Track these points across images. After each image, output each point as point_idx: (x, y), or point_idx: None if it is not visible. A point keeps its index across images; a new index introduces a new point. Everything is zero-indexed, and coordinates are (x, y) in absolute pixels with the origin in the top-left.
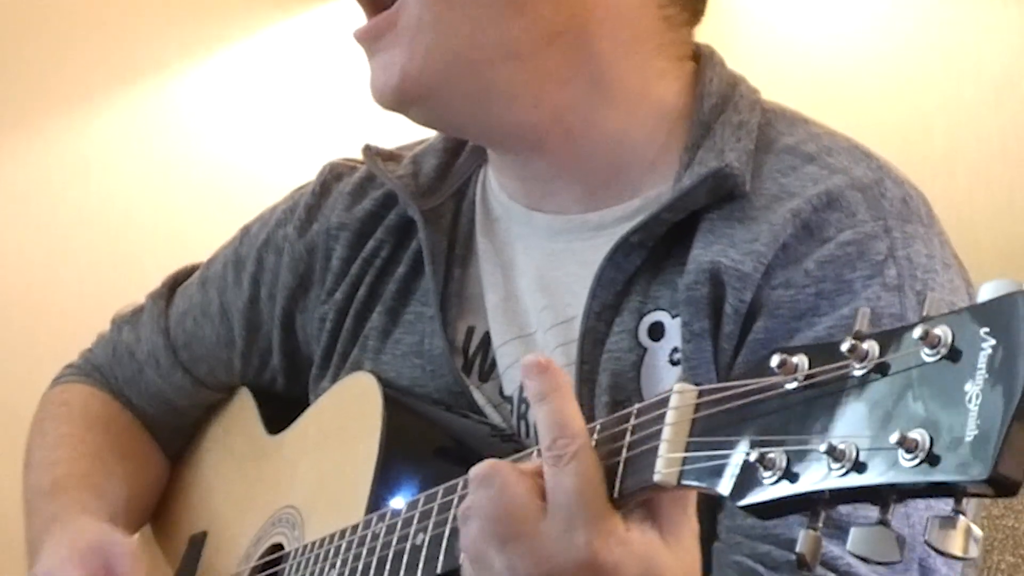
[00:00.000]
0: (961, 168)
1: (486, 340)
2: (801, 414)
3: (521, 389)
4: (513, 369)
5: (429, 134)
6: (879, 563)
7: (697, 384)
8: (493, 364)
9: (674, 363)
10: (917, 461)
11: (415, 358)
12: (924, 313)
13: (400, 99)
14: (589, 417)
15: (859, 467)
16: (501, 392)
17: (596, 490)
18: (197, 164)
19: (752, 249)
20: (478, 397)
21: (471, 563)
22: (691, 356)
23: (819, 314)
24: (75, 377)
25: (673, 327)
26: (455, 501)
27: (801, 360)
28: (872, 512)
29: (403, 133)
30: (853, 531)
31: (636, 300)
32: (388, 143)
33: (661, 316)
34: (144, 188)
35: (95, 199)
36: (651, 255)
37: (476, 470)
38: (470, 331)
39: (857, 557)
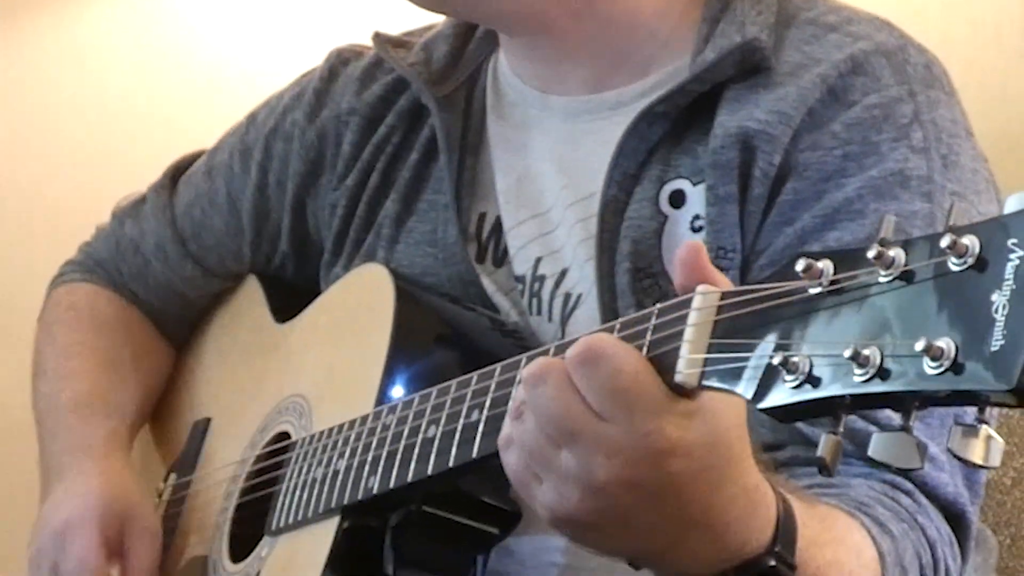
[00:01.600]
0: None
1: (497, 225)
2: (825, 319)
3: (534, 267)
4: (525, 249)
5: (432, 19)
6: (900, 468)
7: (720, 247)
8: (506, 249)
9: (695, 230)
10: (942, 369)
11: (428, 247)
12: (950, 222)
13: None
14: (610, 286)
15: (883, 373)
16: (513, 275)
17: (638, 384)
18: (193, 54)
19: (779, 110)
20: (487, 285)
21: (529, 457)
22: (715, 220)
23: (847, 175)
24: (78, 275)
25: (694, 195)
26: (468, 395)
27: (826, 265)
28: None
29: (402, 21)
30: (875, 437)
31: (657, 169)
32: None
33: (682, 184)
34: (139, 79)
35: (89, 90)
36: (673, 126)
37: (529, 369)
38: (482, 217)
39: (878, 463)
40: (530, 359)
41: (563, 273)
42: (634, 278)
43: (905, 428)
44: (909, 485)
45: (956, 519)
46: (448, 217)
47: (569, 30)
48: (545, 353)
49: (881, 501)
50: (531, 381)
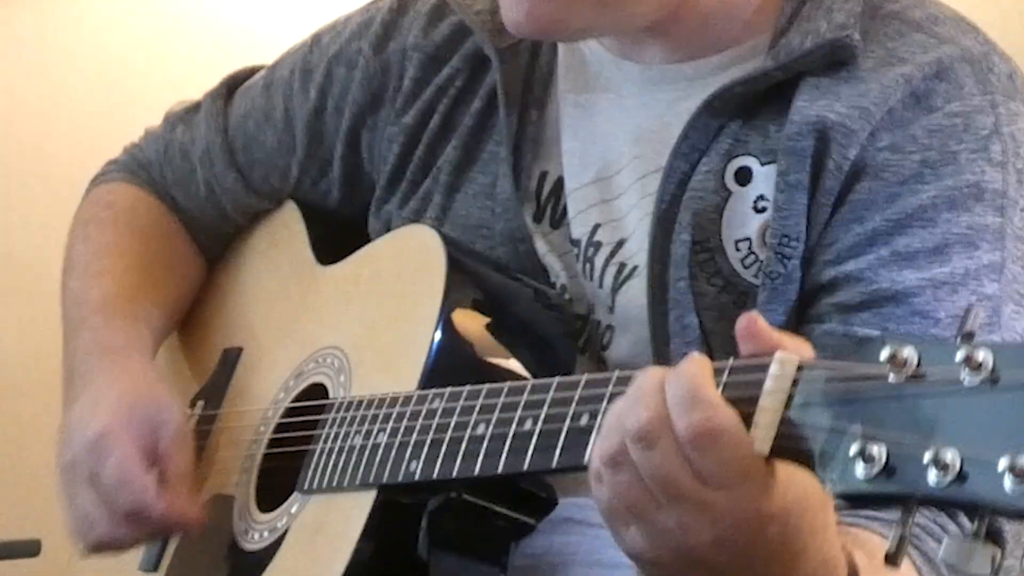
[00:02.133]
0: None
1: (559, 185)
2: (905, 411)
3: (591, 233)
4: (585, 214)
5: None
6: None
7: (784, 234)
8: (565, 211)
9: (758, 211)
10: None
11: (486, 199)
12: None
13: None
14: (662, 256)
15: (961, 479)
16: (570, 238)
17: (742, 457)
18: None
19: (859, 105)
20: (540, 246)
21: (623, 506)
22: (783, 206)
23: (923, 182)
24: (120, 175)
25: (761, 174)
26: (521, 404)
27: (911, 355)
28: None
29: None
30: (946, 541)
31: (726, 143)
32: None
33: (749, 161)
34: (140, 32)
35: (90, 46)
36: (746, 105)
37: (637, 428)
38: (543, 176)
39: (947, 565)
40: (591, 386)
41: (620, 243)
42: (692, 250)
43: (977, 535)
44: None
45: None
46: (506, 172)
47: (670, 21)
48: (604, 383)
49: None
50: (640, 443)
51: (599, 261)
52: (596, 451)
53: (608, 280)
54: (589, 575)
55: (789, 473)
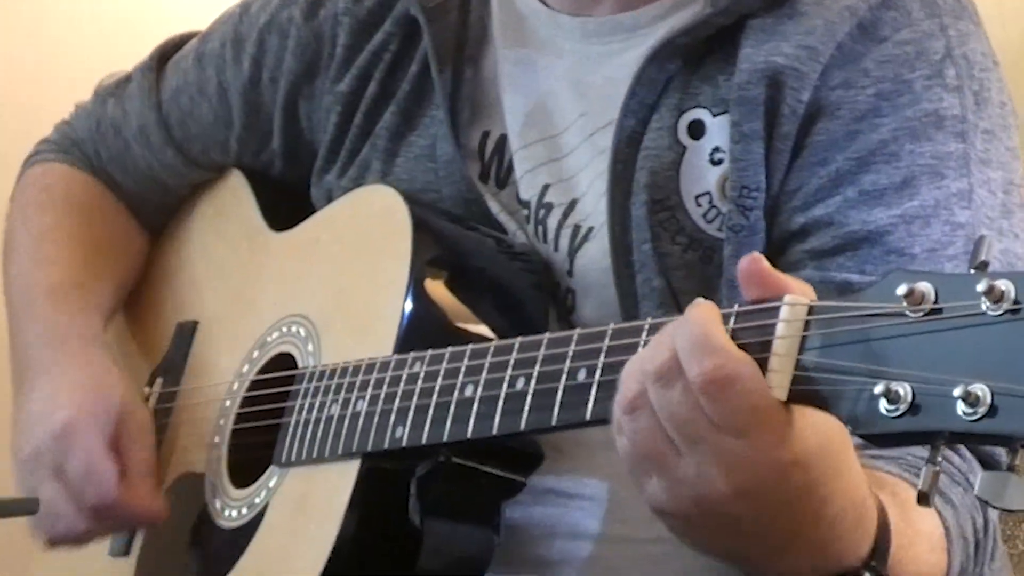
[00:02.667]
0: None
1: (501, 144)
2: (927, 348)
3: (541, 194)
4: (533, 174)
5: None
6: (1004, 510)
7: (744, 186)
8: (510, 169)
9: (715, 163)
10: None
11: (428, 162)
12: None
13: None
14: (623, 219)
15: (992, 412)
16: (518, 198)
17: (760, 401)
18: None
19: (807, 44)
20: (492, 205)
21: (642, 455)
22: (739, 157)
23: (881, 115)
24: (53, 155)
25: (714, 126)
26: (511, 363)
27: (927, 289)
28: None
29: None
30: (981, 476)
31: (675, 98)
32: None
33: (701, 114)
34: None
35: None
36: (691, 55)
37: (657, 366)
38: (485, 135)
39: (981, 500)
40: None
41: (572, 204)
42: (651, 211)
43: (1012, 468)
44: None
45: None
46: (445, 133)
47: None
48: (637, 332)
49: (950, 473)
50: (660, 381)
51: (552, 223)
52: (617, 400)
53: (564, 243)
54: (570, 547)
55: (807, 417)
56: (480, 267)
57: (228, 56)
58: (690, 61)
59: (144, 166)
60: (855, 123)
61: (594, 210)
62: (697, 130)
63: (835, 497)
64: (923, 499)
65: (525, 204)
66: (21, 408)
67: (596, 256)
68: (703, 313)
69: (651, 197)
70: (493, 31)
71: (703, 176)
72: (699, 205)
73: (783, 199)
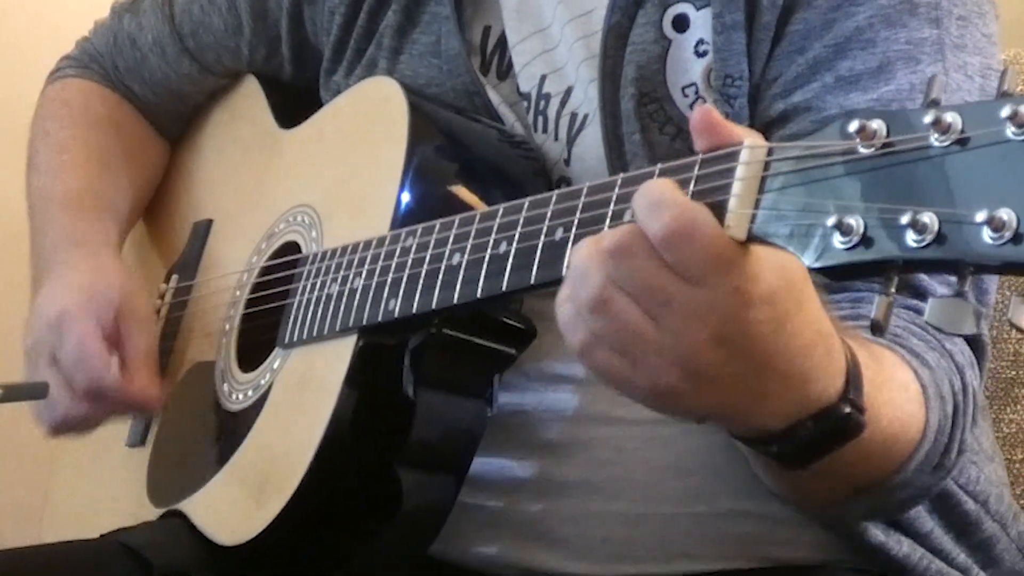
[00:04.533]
0: None
1: (502, 40)
2: (879, 181)
3: (539, 84)
4: (530, 66)
5: None
6: (954, 334)
7: (727, 75)
8: (510, 63)
9: (700, 55)
10: (1004, 240)
11: (432, 58)
12: (1005, 87)
13: None
14: (613, 112)
15: (940, 239)
16: (518, 90)
17: (719, 248)
18: None
19: None
20: (493, 96)
21: (622, 342)
22: (722, 48)
23: (856, 3)
24: (73, 71)
25: (698, 18)
26: (495, 227)
27: (879, 126)
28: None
29: None
30: (931, 302)
31: None
32: None
33: (685, 8)
34: None
35: None
36: None
37: (613, 243)
38: (486, 31)
39: (933, 327)
40: (563, 200)
41: (568, 91)
42: (639, 103)
43: (961, 294)
44: None
45: (972, 340)
46: (449, 29)
47: None
48: (610, 187)
49: (912, 331)
50: (618, 255)
51: (552, 113)
52: (581, 300)
53: (563, 132)
54: (578, 430)
55: (766, 254)
56: (479, 153)
57: None
58: None
59: (160, 76)
60: (831, 11)
61: (586, 97)
62: (681, 23)
63: (803, 329)
64: (876, 328)
65: (525, 96)
66: (32, 305)
67: (592, 144)
68: (656, 180)
69: (639, 90)
70: None
71: (689, 68)
72: (685, 96)
73: (764, 87)
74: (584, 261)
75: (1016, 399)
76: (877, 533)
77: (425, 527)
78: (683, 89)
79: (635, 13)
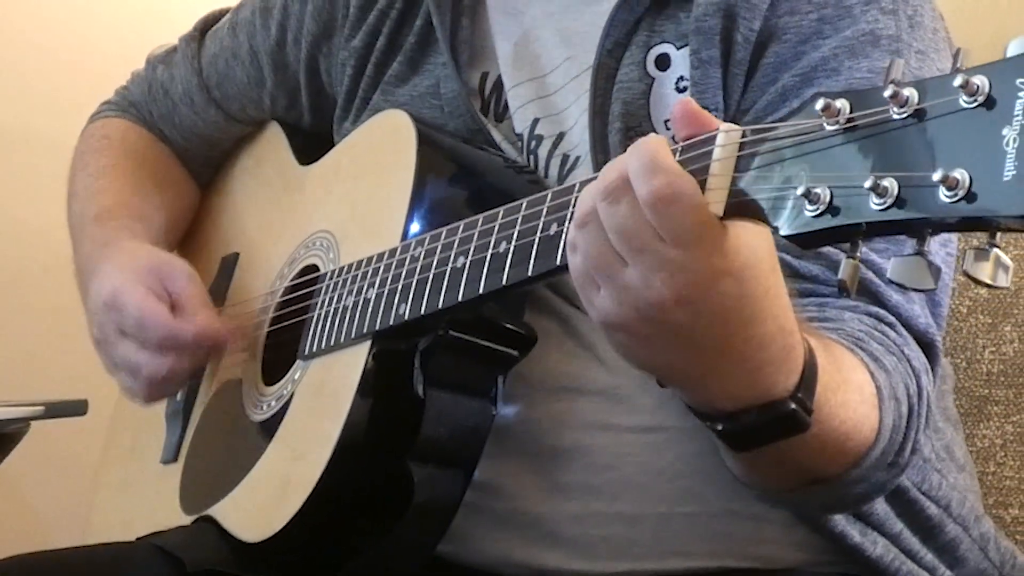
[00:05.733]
0: None
1: (499, 84)
2: (844, 153)
3: (532, 127)
4: (524, 109)
5: None
6: (915, 290)
7: (704, 107)
8: (506, 106)
9: (680, 90)
10: (957, 198)
11: (432, 99)
12: (959, 64)
13: None
14: (603, 147)
15: (900, 202)
16: (513, 130)
17: (699, 218)
18: None
19: None
20: (495, 134)
21: (592, 264)
22: (699, 82)
23: (823, 37)
24: (112, 113)
25: (678, 58)
26: (496, 228)
27: (843, 104)
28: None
29: None
30: (893, 261)
31: (643, 35)
32: None
33: (667, 48)
34: None
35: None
36: None
37: (607, 184)
38: (484, 76)
39: (895, 284)
40: (558, 196)
41: (560, 135)
42: (625, 136)
43: (920, 253)
44: (891, 318)
45: (928, 347)
46: (449, 73)
47: None
48: (569, 191)
49: (872, 335)
50: (608, 196)
51: (542, 153)
52: (572, 218)
53: (553, 171)
54: (581, 436)
55: (740, 235)
56: (484, 176)
57: (257, 23)
58: (655, 3)
59: (190, 123)
60: (800, 45)
61: (580, 140)
62: (663, 62)
63: (764, 318)
64: (843, 288)
65: (519, 136)
66: (85, 308)
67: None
68: (653, 140)
69: (625, 124)
70: None
71: (670, 103)
72: (668, 129)
73: (738, 117)
74: (584, 193)
75: (989, 416)
76: (854, 534)
77: (436, 520)
78: (665, 123)
79: (622, 54)
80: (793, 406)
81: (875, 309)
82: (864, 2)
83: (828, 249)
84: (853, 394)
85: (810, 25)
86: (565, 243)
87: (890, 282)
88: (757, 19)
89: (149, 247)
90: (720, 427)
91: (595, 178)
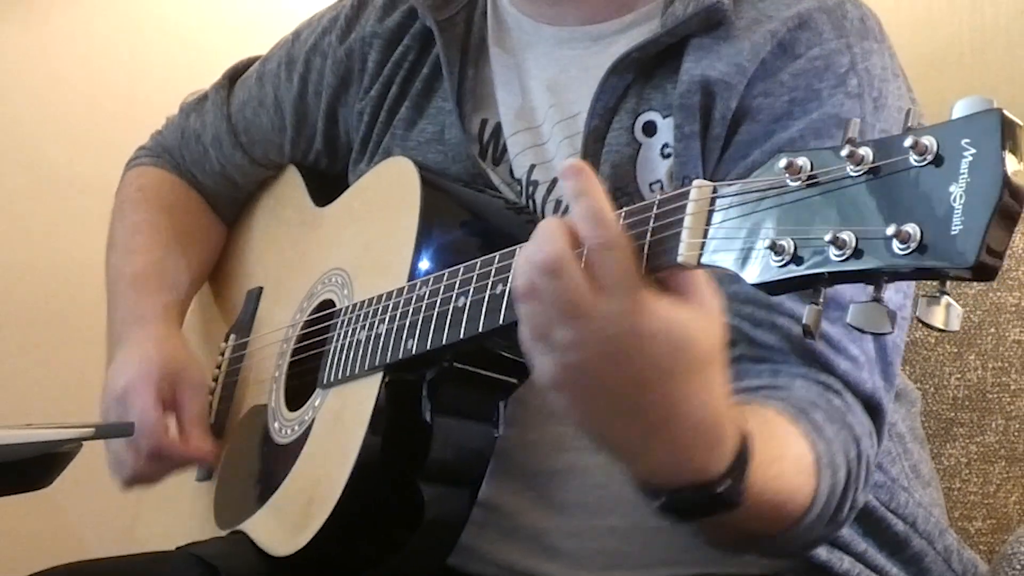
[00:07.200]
0: None
1: (498, 130)
2: (806, 208)
3: (529, 172)
4: (522, 155)
5: None
6: (873, 334)
7: (685, 175)
8: (504, 150)
9: (665, 156)
10: (910, 250)
11: (437, 144)
12: (908, 125)
13: None
14: None
15: (857, 254)
16: (511, 174)
17: (632, 269)
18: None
19: (736, 63)
20: (494, 177)
21: (535, 338)
22: (681, 153)
23: (792, 118)
24: (148, 159)
25: (664, 126)
26: (492, 271)
27: (804, 162)
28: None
29: None
30: (852, 307)
31: (632, 102)
32: None
33: (653, 116)
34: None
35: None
36: (645, 67)
37: (541, 259)
38: (483, 123)
39: (855, 328)
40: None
41: (554, 181)
42: (613, 195)
43: (877, 299)
44: (839, 385)
45: (874, 410)
46: (452, 120)
47: None
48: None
49: (817, 405)
50: (548, 272)
51: (539, 198)
52: (512, 288)
53: (549, 214)
54: (574, 457)
55: (676, 311)
56: (484, 217)
57: (282, 75)
58: (643, 72)
59: (219, 167)
60: (771, 124)
61: None
62: (650, 129)
63: (693, 401)
64: (807, 331)
65: (517, 181)
66: (105, 376)
67: None
68: (594, 191)
69: (613, 184)
70: (488, 40)
71: (655, 167)
72: (652, 190)
73: None
74: (521, 262)
75: (954, 437)
76: (821, 552)
77: (445, 535)
78: (650, 185)
79: (611, 119)
80: (722, 488)
81: (824, 377)
82: (832, 86)
83: (782, 322)
84: (790, 466)
85: (782, 107)
86: None
87: (840, 340)
88: (734, 99)
89: (175, 342)
90: (661, 502)
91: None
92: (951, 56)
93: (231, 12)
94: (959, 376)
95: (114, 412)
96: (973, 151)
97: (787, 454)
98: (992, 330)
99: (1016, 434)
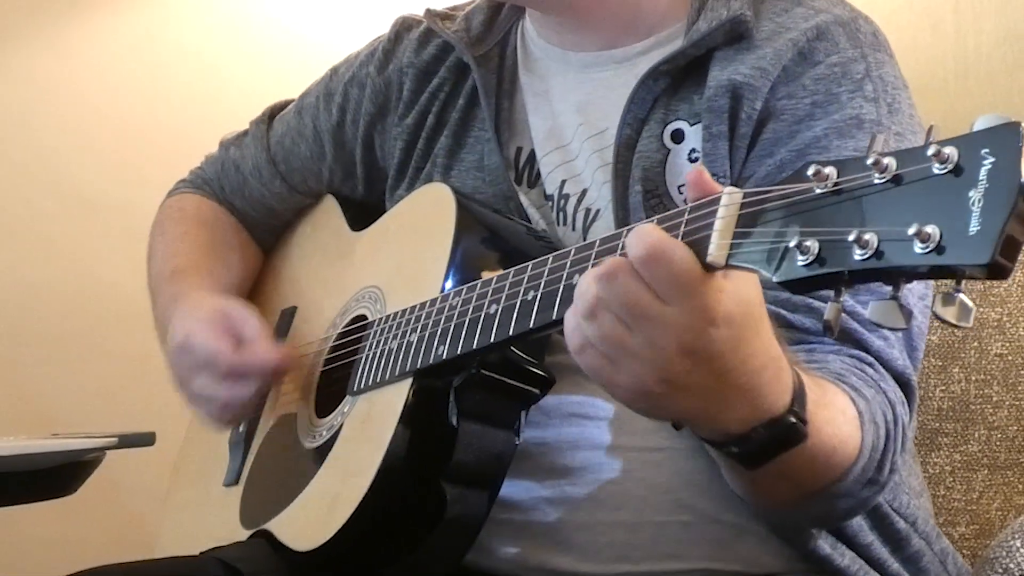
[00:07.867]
0: None
1: (532, 156)
2: (831, 212)
3: (560, 188)
4: (553, 173)
5: None
6: (890, 329)
7: (713, 173)
8: (538, 176)
9: (692, 160)
10: (929, 250)
11: (476, 171)
12: (932, 137)
13: None
14: (624, 204)
15: (879, 254)
16: (544, 194)
17: (684, 271)
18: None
19: (759, 66)
20: (524, 200)
21: (607, 346)
22: (709, 152)
23: (814, 119)
24: (187, 189)
25: (691, 133)
26: (524, 279)
27: (831, 171)
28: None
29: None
30: (871, 304)
31: (660, 112)
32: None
33: (681, 124)
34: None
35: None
36: (672, 80)
37: (598, 270)
38: (519, 150)
39: (873, 323)
40: (580, 251)
41: (583, 192)
42: (644, 198)
43: (895, 297)
44: (871, 358)
45: (905, 385)
46: (492, 148)
47: (592, 7)
48: (617, 237)
49: (853, 372)
50: (606, 278)
51: (569, 209)
52: (577, 313)
53: (579, 223)
54: (590, 456)
55: (726, 287)
56: (510, 241)
57: (321, 107)
58: (671, 84)
59: (258, 195)
60: (795, 124)
61: (599, 196)
62: (678, 136)
63: (757, 353)
64: (827, 327)
65: (549, 197)
66: (165, 356)
67: (601, 231)
68: (645, 222)
69: (644, 188)
70: (520, 71)
71: (683, 171)
72: (680, 193)
73: (741, 184)
74: (582, 283)
75: (939, 446)
76: (824, 546)
77: (465, 533)
78: (679, 188)
79: (641, 128)
80: (792, 419)
81: (857, 352)
82: (850, 91)
83: (818, 304)
84: (837, 414)
85: (804, 108)
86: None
87: (870, 322)
88: (759, 100)
89: (215, 295)
90: (735, 449)
91: (612, 235)
92: (935, 82)
93: (252, 41)
94: (943, 388)
95: (184, 363)
96: (992, 159)
97: (835, 402)
98: (975, 344)
99: (998, 443)
